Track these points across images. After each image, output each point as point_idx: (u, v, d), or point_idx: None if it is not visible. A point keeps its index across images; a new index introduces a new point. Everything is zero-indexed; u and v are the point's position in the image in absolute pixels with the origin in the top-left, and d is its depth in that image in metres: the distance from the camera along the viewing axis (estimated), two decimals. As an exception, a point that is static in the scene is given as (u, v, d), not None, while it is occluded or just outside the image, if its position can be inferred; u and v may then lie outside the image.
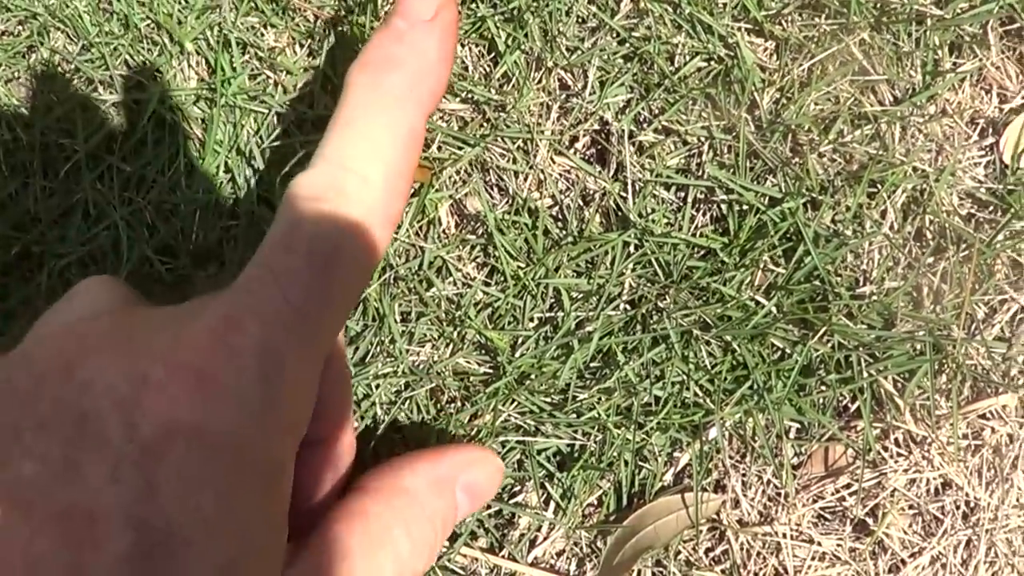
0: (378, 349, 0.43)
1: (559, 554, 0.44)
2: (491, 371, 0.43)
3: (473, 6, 0.43)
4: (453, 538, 0.43)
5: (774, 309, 0.43)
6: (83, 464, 0.20)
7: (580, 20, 0.44)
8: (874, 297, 0.43)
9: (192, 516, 0.21)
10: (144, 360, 0.22)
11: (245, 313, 0.23)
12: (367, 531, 0.28)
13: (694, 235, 0.43)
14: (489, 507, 0.43)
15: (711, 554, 0.44)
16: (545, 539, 0.44)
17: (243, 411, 0.22)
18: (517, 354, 0.43)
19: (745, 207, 0.43)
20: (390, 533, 0.29)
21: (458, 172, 0.43)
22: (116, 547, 0.20)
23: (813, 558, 0.44)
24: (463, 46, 0.43)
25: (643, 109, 0.43)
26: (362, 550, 0.27)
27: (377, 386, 0.43)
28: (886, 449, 0.44)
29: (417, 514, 0.30)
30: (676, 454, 0.44)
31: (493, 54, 0.44)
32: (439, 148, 0.43)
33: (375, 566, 0.28)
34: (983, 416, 0.44)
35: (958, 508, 0.44)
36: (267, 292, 0.23)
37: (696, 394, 0.43)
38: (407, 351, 0.43)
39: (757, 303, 0.43)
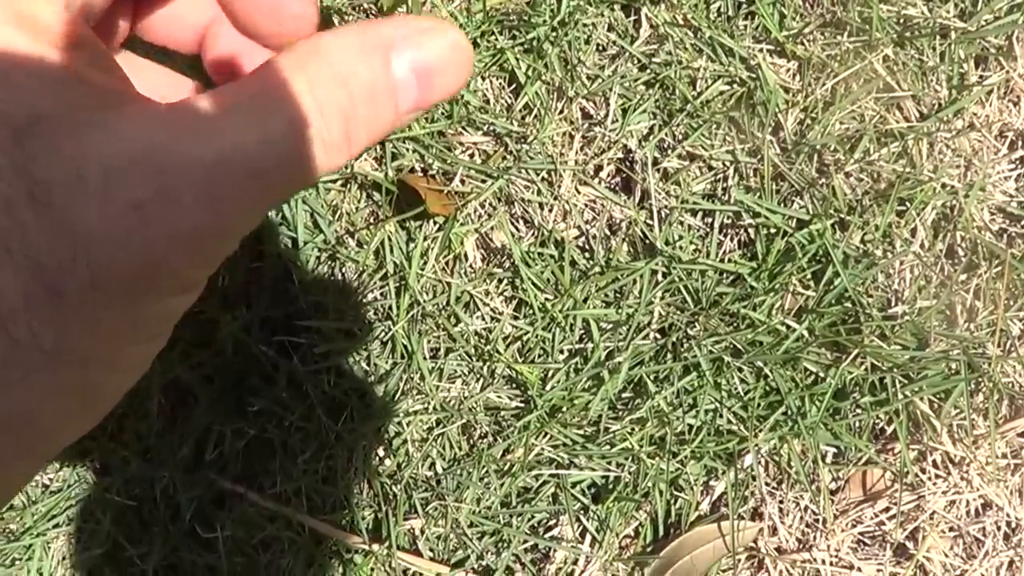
0: (408, 386, 0.44)
1: (596, 586, 0.45)
2: (522, 405, 0.45)
3: (492, 38, 0.45)
4: (488, 573, 0.45)
5: (805, 333, 0.44)
6: None
7: (600, 48, 0.45)
8: (907, 317, 0.44)
9: None
10: None
11: None
12: (260, 86, 0.24)
13: (722, 261, 0.45)
14: (525, 542, 0.45)
15: (750, 582, 0.46)
16: (582, 573, 0.45)
17: None
18: (548, 387, 0.44)
19: (772, 230, 0.44)
20: (285, 88, 0.23)
21: (483, 205, 0.45)
22: None
23: (854, 583, 0.45)
24: (483, 79, 0.45)
25: (666, 135, 0.45)
26: (246, 104, 0.23)
27: (408, 423, 0.44)
28: (924, 471, 0.45)
29: (324, 72, 0.24)
30: (712, 483, 0.45)
31: (514, 85, 0.45)
32: (462, 182, 0.44)
33: (257, 118, 0.22)
34: (1022, 434, 0.45)
35: (999, 529, 0.45)
36: None
37: (730, 421, 0.45)
38: (437, 387, 0.44)
39: (788, 327, 0.44)
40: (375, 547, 0.44)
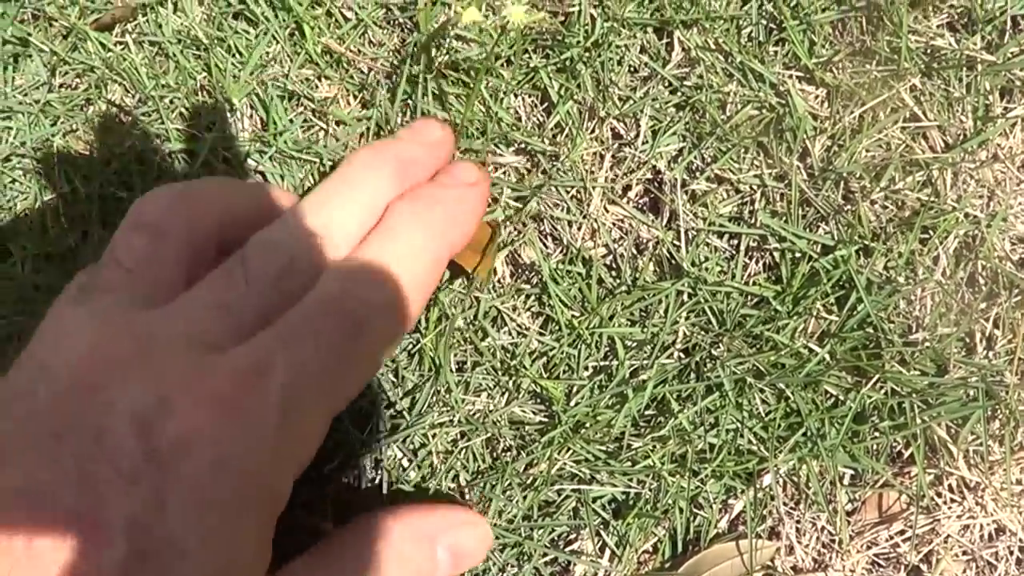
0: (434, 399, 0.45)
1: (614, 600, 0.46)
2: (546, 420, 0.46)
3: (526, 57, 0.46)
4: (509, 585, 0.46)
5: (827, 356, 0.45)
6: (97, 475, 0.24)
7: (632, 70, 0.46)
8: (927, 343, 0.45)
9: (193, 530, 0.24)
10: (168, 385, 0.26)
11: (278, 359, 0.28)
12: (340, 569, 0.32)
13: (747, 283, 0.46)
14: (545, 554, 0.46)
15: (765, 600, 0.47)
16: (601, 586, 0.46)
17: (260, 444, 0.26)
18: (572, 403, 0.45)
19: (798, 255, 0.45)
20: (361, 567, 0.32)
21: (512, 223, 0.46)
22: (114, 553, 0.23)
23: (867, 604, 0.46)
24: (516, 96, 0.46)
25: (695, 158, 0.46)
26: None
27: (433, 435, 0.45)
28: (940, 495, 0.46)
29: (392, 557, 0.33)
30: (731, 501, 0.46)
31: (546, 104, 0.46)
32: (495, 199, 0.45)
33: None
34: (1036, 461, 0.46)
35: (1012, 554, 0.46)
36: (301, 345, 0.28)
37: (750, 441, 0.46)
38: (463, 400, 0.45)
39: (810, 351, 0.45)
40: (397, 556, 0.45)
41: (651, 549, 0.47)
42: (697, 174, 0.46)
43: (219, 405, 0.25)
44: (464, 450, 0.46)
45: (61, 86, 0.47)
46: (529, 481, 0.45)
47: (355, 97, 0.47)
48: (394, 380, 0.45)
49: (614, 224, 0.46)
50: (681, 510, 0.46)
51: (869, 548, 0.46)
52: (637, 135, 0.46)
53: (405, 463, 0.46)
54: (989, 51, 0.46)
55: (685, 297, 0.45)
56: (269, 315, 0.29)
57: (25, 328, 0.47)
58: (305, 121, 0.47)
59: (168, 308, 0.29)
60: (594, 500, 0.46)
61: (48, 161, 0.47)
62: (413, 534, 0.35)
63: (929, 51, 0.46)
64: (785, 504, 0.46)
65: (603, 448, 0.45)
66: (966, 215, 0.46)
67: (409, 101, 0.45)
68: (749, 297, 0.46)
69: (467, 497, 0.45)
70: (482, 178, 0.36)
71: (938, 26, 0.47)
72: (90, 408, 0.25)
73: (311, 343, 0.28)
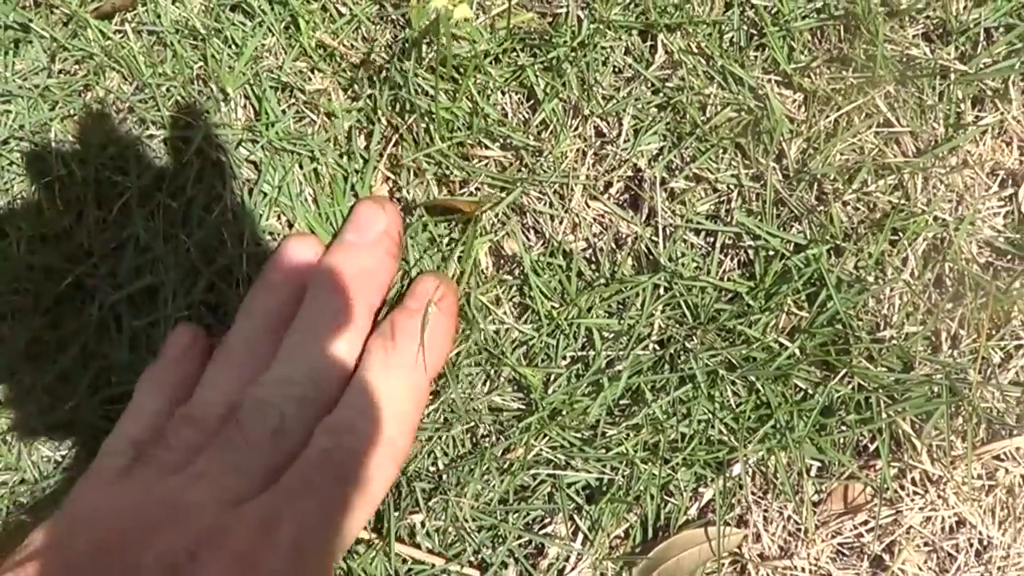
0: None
1: (586, 583, 0.48)
2: (524, 407, 0.47)
3: (513, 55, 0.47)
4: (484, 567, 0.47)
5: (797, 351, 0.47)
6: None
7: (616, 70, 0.48)
8: (894, 341, 0.47)
9: None
10: (194, 541, 0.31)
11: (283, 515, 0.33)
12: None
13: (721, 279, 0.47)
14: (519, 537, 0.48)
15: (732, 586, 0.48)
16: (573, 569, 0.48)
17: None
18: (549, 391, 0.47)
19: (771, 253, 0.47)
20: None
21: (496, 215, 0.47)
22: None
23: (831, 592, 0.48)
24: (503, 93, 0.48)
25: (675, 157, 0.47)
26: None
27: (415, 419, 0.47)
28: (903, 488, 0.48)
29: None
30: (701, 489, 0.48)
31: (532, 101, 0.48)
32: (477, 190, 0.47)
33: None
34: (997, 457, 0.48)
35: (972, 546, 0.48)
36: (303, 500, 0.34)
37: (721, 432, 0.47)
38: (445, 388, 0.47)
39: (781, 345, 0.47)
40: (375, 537, 0.47)
41: (623, 534, 0.48)
42: (676, 173, 0.48)
43: (237, 558, 0.30)
44: (445, 435, 0.47)
45: (60, 72, 0.49)
46: (506, 466, 0.47)
47: (346, 91, 0.48)
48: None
49: (595, 219, 0.48)
50: (652, 497, 0.47)
51: (834, 537, 0.48)
52: (619, 133, 0.47)
53: (387, 446, 0.47)
54: (962, 61, 0.48)
55: (661, 291, 0.47)
56: (276, 469, 0.35)
57: (20, 308, 0.48)
58: (297, 112, 0.48)
59: (189, 473, 0.34)
60: (569, 485, 0.47)
61: (46, 144, 0.48)
62: None
63: (904, 60, 0.48)
64: (753, 493, 0.48)
65: (578, 435, 0.47)
66: (935, 218, 0.48)
67: (399, 95, 0.47)
68: (723, 292, 0.47)
69: (444, 480, 0.47)
70: (448, 290, 0.41)
71: (914, 36, 0.48)
72: (126, 557, 0.30)
73: (312, 498, 0.34)
